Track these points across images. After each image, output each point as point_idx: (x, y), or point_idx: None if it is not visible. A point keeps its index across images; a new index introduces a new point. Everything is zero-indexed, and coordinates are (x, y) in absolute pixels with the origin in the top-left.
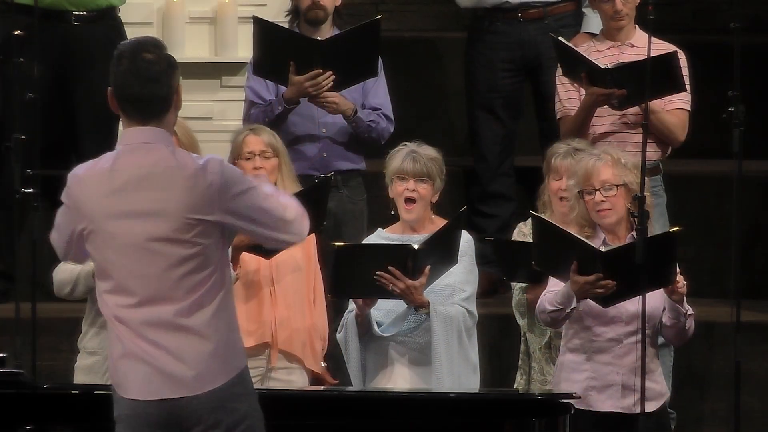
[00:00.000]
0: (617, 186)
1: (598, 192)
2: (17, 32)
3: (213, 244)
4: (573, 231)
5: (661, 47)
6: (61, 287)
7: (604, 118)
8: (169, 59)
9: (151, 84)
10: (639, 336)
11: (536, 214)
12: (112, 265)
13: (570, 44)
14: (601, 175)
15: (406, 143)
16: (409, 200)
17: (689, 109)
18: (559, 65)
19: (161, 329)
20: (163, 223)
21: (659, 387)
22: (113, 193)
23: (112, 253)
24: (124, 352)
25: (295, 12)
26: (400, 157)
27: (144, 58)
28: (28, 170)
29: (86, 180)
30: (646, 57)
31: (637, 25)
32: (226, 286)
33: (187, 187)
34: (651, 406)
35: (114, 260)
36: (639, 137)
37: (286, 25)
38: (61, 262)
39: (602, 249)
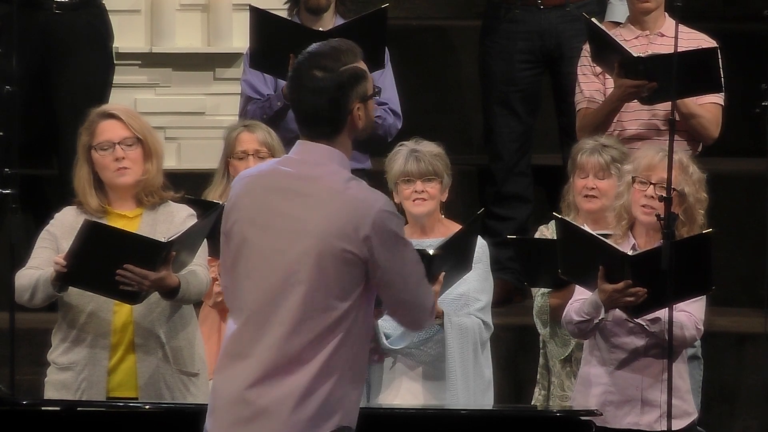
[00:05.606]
0: (674, 190)
1: (652, 186)
2: None
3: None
4: (608, 222)
5: (694, 37)
6: (21, 294)
7: (633, 117)
8: (339, 78)
9: (315, 99)
10: (662, 348)
11: (559, 216)
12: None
13: (603, 27)
14: (664, 172)
15: (404, 143)
16: (419, 201)
17: (722, 103)
18: (583, 54)
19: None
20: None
21: (686, 405)
22: (261, 194)
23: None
24: (216, 372)
25: (294, 0)
26: (401, 159)
27: (311, 75)
28: (6, 169)
29: (244, 176)
30: (682, 49)
31: (666, 13)
32: (347, 337)
33: (329, 212)
34: (675, 425)
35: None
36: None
37: (285, 14)
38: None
39: (630, 253)
